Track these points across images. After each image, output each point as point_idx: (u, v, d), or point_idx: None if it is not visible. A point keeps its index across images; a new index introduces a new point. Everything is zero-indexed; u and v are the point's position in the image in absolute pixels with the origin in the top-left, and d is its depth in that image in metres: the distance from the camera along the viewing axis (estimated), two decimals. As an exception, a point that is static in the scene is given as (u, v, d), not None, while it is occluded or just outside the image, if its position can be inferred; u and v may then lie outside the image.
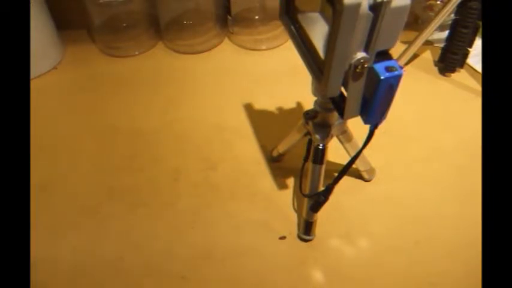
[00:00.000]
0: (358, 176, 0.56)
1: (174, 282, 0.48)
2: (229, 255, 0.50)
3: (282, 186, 0.58)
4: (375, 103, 0.35)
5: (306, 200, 0.49)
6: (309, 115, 0.46)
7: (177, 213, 0.55)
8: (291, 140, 0.54)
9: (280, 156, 0.59)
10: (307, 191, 0.48)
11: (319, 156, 0.46)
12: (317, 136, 0.46)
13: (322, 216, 0.50)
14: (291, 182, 0.58)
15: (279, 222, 0.53)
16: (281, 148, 0.57)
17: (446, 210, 0.54)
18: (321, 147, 0.46)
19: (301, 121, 0.50)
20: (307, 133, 0.50)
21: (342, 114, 0.38)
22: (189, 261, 0.50)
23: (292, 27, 0.40)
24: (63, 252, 0.51)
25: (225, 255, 0.50)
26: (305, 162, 0.50)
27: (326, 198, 0.44)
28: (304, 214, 0.50)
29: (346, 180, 0.49)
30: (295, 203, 0.54)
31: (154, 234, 0.52)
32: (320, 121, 0.46)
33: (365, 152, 0.54)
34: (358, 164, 0.55)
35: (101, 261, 0.50)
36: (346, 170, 0.41)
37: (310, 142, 0.50)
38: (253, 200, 0.56)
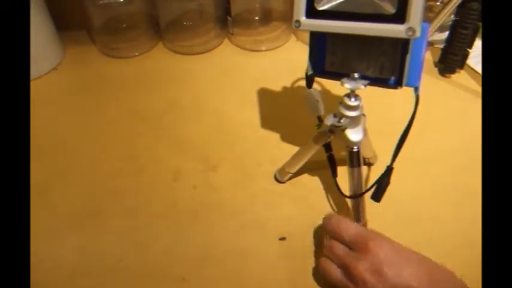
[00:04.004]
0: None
1: (174, 283, 0.48)
2: (230, 256, 0.50)
3: (282, 186, 0.58)
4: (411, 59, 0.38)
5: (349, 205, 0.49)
6: (334, 126, 0.44)
7: (177, 214, 0.55)
8: (305, 156, 0.53)
9: (292, 177, 0.58)
10: (349, 193, 0.48)
11: (355, 159, 0.46)
12: (352, 140, 0.45)
13: (320, 217, 0.49)
14: (290, 182, 0.58)
15: (279, 223, 0.53)
16: (292, 168, 0.55)
17: (446, 211, 0.54)
18: (355, 150, 0.45)
19: (312, 137, 0.49)
20: (327, 144, 0.49)
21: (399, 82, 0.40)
22: (189, 262, 0.49)
23: None
24: (63, 253, 0.51)
25: (225, 256, 0.50)
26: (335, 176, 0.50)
27: (388, 181, 0.44)
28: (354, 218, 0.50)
29: (345, 181, 0.49)
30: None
31: (154, 235, 0.52)
32: (348, 125, 0.45)
33: (368, 144, 0.55)
34: (365, 152, 0.55)
35: (101, 262, 0.50)
36: (401, 145, 0.42)
37: (330, 157, 0.50)
38: (253, 200, 0.56)
